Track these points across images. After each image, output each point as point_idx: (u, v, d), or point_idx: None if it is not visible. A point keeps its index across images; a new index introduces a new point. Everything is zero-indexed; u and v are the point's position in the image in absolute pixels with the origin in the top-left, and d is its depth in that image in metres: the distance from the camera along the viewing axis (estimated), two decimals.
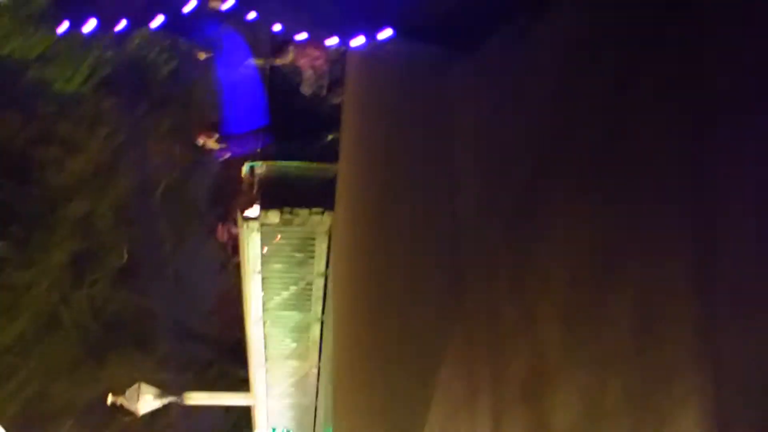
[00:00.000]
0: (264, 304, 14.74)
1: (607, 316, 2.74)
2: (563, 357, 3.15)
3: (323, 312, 14.39)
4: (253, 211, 13.11)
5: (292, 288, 14.64)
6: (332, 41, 4.54)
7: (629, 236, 2.63)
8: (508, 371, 3.80)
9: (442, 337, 4.98)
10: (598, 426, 2.76)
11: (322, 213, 13.11)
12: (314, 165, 13.39)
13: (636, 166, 2.62)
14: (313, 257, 13.87)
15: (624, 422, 2.57)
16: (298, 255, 13.99)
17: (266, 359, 15.92)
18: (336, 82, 13.59)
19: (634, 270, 2.56)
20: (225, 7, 4.15)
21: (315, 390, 16.10)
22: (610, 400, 2.67)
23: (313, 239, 13.59)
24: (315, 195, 13.20)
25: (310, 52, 13.47)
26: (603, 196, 2.87)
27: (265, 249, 13.71)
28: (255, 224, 13.22)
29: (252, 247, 13.60)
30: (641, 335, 2.50)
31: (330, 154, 13.04)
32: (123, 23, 4.26)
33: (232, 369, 17.75)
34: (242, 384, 17.19)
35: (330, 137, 13.44)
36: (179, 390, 17.66)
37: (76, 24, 4.30)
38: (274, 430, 13.62)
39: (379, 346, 7.78)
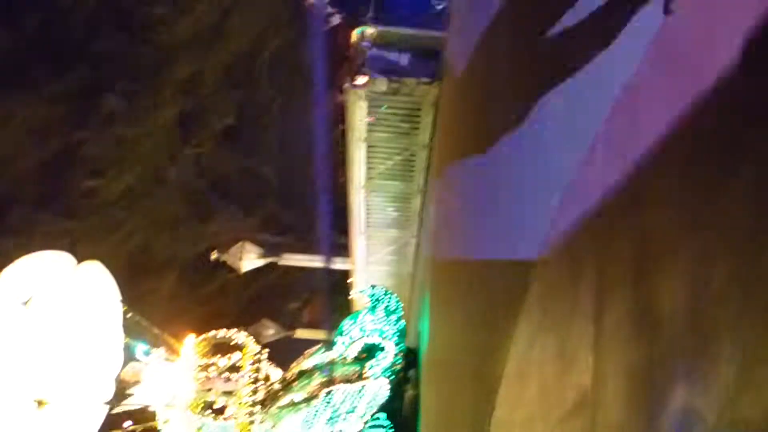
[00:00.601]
0: (367, 172, 14.78)
1: (720, 200, 2.63)
2: (671, 240, 3.05)
3: (425, 183, 14.36)
4: (361, 78, 12.96)
5: (396, 158, 14.59)
6: None
7: None
8: (613, 253, 3.72)
9: None
10: (702, 312, 2.71)
11: (430, 83, 12.87)
12: (424, 34, 13.04)
13: None
14: (418, 128, 13.73)
15: (730, 309, 2.51)
16: (403, 125, 13.87)
17: (367, 226, 16.12)
18: None
19: (756, 151, 2.42)
20: None
21: (413, 259, 16.29)
22: (716, 286, 2.61)
23: (419, 110, 13.42)
24: (423, 65, 12.95)
25: None
26: None
27: (371, 118, 13.62)
28: (362, 92, 13.09)
29: (358, 115, 13.53)
30: (755, 221, 2.38)
31: (440, 22, 12.67)
32: None
33: (333, 235, 18.07)
34: (342, 250, 17.52)
35: (441, 5, 13.03)
36: (281, 251, 18.15)
37: None
38: (373, 287, 13.90)
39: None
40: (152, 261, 21.07)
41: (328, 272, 17.49)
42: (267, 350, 12.85)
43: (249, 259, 18.18)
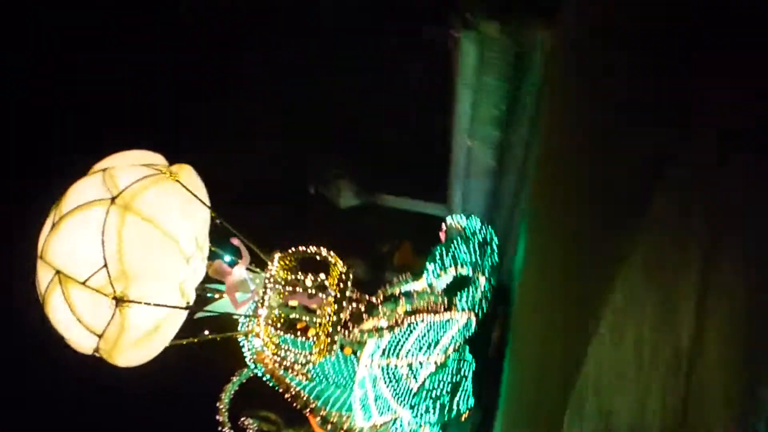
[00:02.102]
0: (471, 118, 14.50)
1: None
2: None
3: (531, 134, 13.99)
4: (471, 19, 12.63)
5: (501, 105, 14.25)
6: None
7: None
8: (725, 203, 3.56)
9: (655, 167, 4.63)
10: None
11: (543, 29, 12.45)
12: None
13: None
14: (527, 74, 13.34)
15: None
16: (511, 71, 13.49)
17: (467, 175, 15.90)
18: None
19: None
20: None
21: (509, 210, 16.03)
22: None
23: (530, 55, 13.01)
24: (537, 9, 12.52)
25: None
26: None
27: (479, 61, 13.30)
28: (472, 33, 12.77)
29: (466, 58, 13.23)
30: None
31: None
32: None
33: (432, 180, 17.94)
34: (438, 196, 17.39)
35: None
36: (379, 191, 18.17)
37: None
38: (469, 217, 13.67)
39: (584, 162, 7.37)
40: (252, 192, 21.38)
41: (423, 217, 17.42)
42: (353, 270, 12.93)
43: (346, 197, 18.25)
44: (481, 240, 13.13)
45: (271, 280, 12.68)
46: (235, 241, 12.72)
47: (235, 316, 12.70)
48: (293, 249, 12.95)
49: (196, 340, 12.65)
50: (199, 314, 12.66)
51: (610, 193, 5.74)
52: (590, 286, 5.59)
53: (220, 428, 14.98)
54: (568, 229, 7.61)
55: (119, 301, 11.12)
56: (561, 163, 9.28)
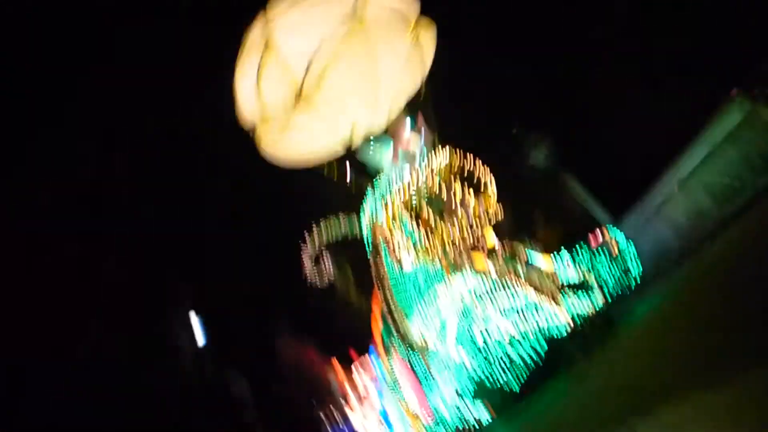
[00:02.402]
0: (692, 172, 14.29)
1: None
2: None
3: (730, 227, 13.62)
4: (760, 95, 12.40)
5: (725, 178, 14.00)
6: None
7: None
8: None
9: None
10: None
11: None
12: None
13: None
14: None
15: None
16: (757, 158, 13.19)
17: (655, 212, 15.68)
18: None
19: None
20: None
21: (664, 266, 15.73)
22: None
23: None
24: None
25: None
26: None
27: (734, 130, 13.06)
28: (749, 105, 12.54)
29: (725, 120, 13.02)
30: None
31: None
32: None
33: (622, 192, 17.64)
34: (616, 208, 17.13)
35: None
36: (564, 171, 18.13)
37: None
38: (629, 239, 13.65)
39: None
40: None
41: (586, 213, 17.37)
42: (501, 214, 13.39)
43: (536, 155, 18.40)
44: (624, 267, 13.20)
45: (433, 166, 13.27)
46: (422, 120, 13.26)
47: (382, 176, 13.55)
48: (466, 156, 13.39)
49: (334, 173, 13.38)
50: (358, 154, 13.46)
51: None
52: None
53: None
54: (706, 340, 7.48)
55: (300, 98, 11.91)
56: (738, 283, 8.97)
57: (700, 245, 14.12)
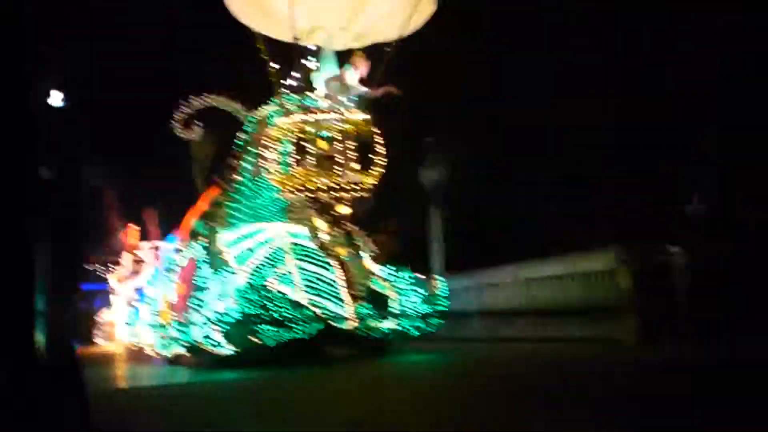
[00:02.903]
0: None
1: None
2: None
3: None
4: None
5: None
6: None
7: None
8: None
9: None
10: None
11: None
12: None
13: None
14: None
15: None
16: None
17: None
18: None
19: None
20: None
21: None
22: None
23: None
24: None
25: None
26: None
27: None
28: None
29: None
30: None
31: None
32: None
33: None
34: None
35: None
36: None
37: None
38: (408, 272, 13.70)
39: None
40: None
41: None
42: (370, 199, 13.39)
43: (429, 173, 18.40)
44: (428, 312, 13.22)
45: (350, 115, 13.07)
46: (366, 64, 13.09)
47: (316, 88, 13.34)
48: (378, 133, 13.20)
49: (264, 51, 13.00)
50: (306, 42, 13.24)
51: None
52: None
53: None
54: None
55: None
56: None
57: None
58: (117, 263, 31.22)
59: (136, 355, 18.32)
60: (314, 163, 13.15)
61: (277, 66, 13.09)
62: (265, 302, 12.06)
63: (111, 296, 31.02)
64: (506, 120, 22.70)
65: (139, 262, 28.11)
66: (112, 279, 30.80)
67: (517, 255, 16.50)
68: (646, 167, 19.57)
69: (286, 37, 12.93)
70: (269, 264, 12.87)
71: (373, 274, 13.23)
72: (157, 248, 25.98)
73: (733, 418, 5.36)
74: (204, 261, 13.95)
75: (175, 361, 15.18)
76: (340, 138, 13.09)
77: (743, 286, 11.66)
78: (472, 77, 22.54)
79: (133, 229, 29.12)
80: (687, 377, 8.15)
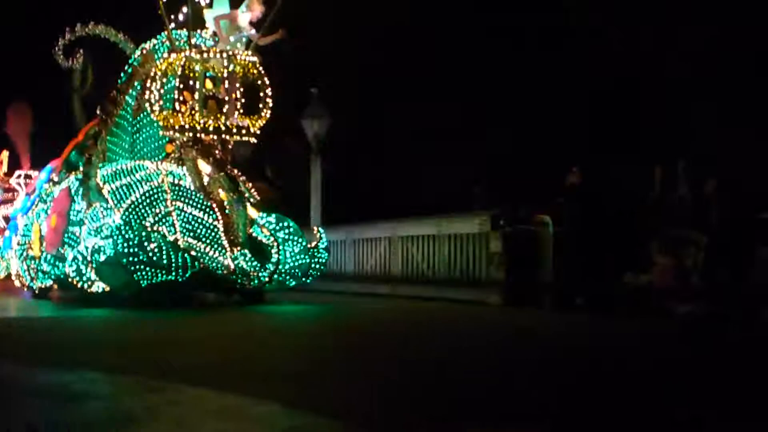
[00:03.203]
0: None
1: None
2: None
3: None
4: None
5: None
6: None
7: None
8: None
9: None
10: None
11: None
12: None
13: None
14: None
15: None
16: None
17: None
18: None
19: None
20: None
21: None
22: None
23: None
24: None
25: None
26: None
27: None
28: None
29: None
30: None
31: None
32: None
33: None
34: None
35: None
36: None
37: None
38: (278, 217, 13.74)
39: None
40: None
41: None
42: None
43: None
44: (306, 264, 13.27)
45: (241, 56, 12.85)
46: (260, 8, 12.89)
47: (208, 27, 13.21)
48: (265, 76, 13.05)
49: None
50: None
51: None
52: None
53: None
54: None
55: None
56: None
57: None
58: None
59: (3, 286, 17.75)
60: (199, 102, 12.89)
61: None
62: (141, 241, 11.82)
63: None
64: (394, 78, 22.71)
65: (9, 190, 27.05)
66: None
67: (392, 213, 16.73)
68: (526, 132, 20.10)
69: None
70: (148, 203, 12.57)
71: (254, 221, 13.17)
72: (29, 177, 25.06)
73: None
74: (79, 194, 13.55)
75: (43, 294, 14.82)
76: (226, 79, 12.83)
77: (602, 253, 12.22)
78: (364, 31, 22.40)
79: (4, 156, 27.92)
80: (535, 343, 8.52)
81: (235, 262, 12.46)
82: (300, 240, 13.31)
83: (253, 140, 13.14)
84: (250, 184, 13.78)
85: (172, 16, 13.30)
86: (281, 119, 13.65)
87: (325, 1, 19.21)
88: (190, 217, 12.52)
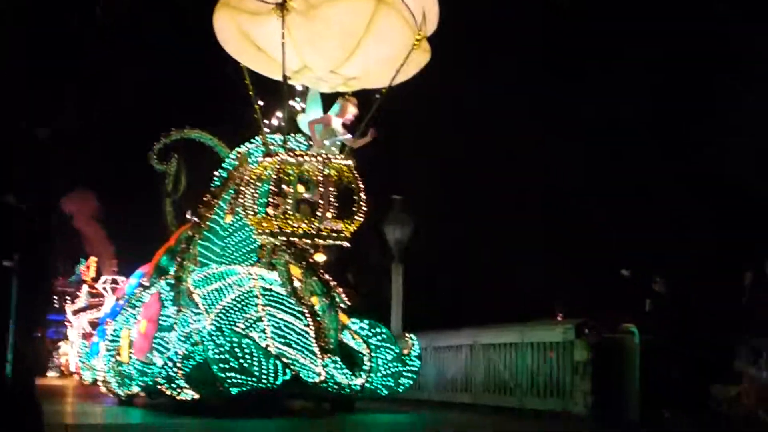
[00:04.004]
0: None
1: None
2: None
3: None
4: None
5: None
6: None
7: None
8: None
9: None
10: None
11: None
12: None
13: None
14: None
15: None
16: None
17: None
18: None
19: None
20: None
21: None
22: None
23: None
24: None
25: None
26: None
27: None
28: None
29: None
30: None
31: None
32: None
33: None
34: None
35: None
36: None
37: None
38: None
39: None
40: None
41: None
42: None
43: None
44: (399, 371, 12.80)
45: (335, 160, 12.72)
46: (354, 111, 12.88)
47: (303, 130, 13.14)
48: (360, 188, 12.87)
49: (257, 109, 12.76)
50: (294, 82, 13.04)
51: None
52: None
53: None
54: None
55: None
56: None
57: None
58: (74, 295, 30.49)
59: (89, 391, 17.70)
60: (292, 206, 12.77)
61: (261, 103, 12.79)
62: (231, 347, 11.51)
63: (67, 328, 30.21)
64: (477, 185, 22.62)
65: (95, 295, 27.49)
66: (68, 310, 30.01)
67: (473, 320, 16.33)
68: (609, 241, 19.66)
69: (275, 74, 12.58)
70: (238, 308, 12.35)
71: (346, 327, 12.82)
72: (115, 282, 25.39)
73: None
74: (169, 300, 13.46)
75: (129, 400, 14.62)
76: (321, 183, 12.69)
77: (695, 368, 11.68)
78: (450, 138, 22.48)
79: (93, 262, 28.50)
80: None
81: (326, 369, 12.04)
82: (393, 347, 12.90)
83: (346, 244, 12.91)
84: (341, 289, 13.48)
85: (265, 121, 13.40)
86: (362, 224, 13.39)
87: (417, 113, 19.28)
88: (282, 322, 12.24)
